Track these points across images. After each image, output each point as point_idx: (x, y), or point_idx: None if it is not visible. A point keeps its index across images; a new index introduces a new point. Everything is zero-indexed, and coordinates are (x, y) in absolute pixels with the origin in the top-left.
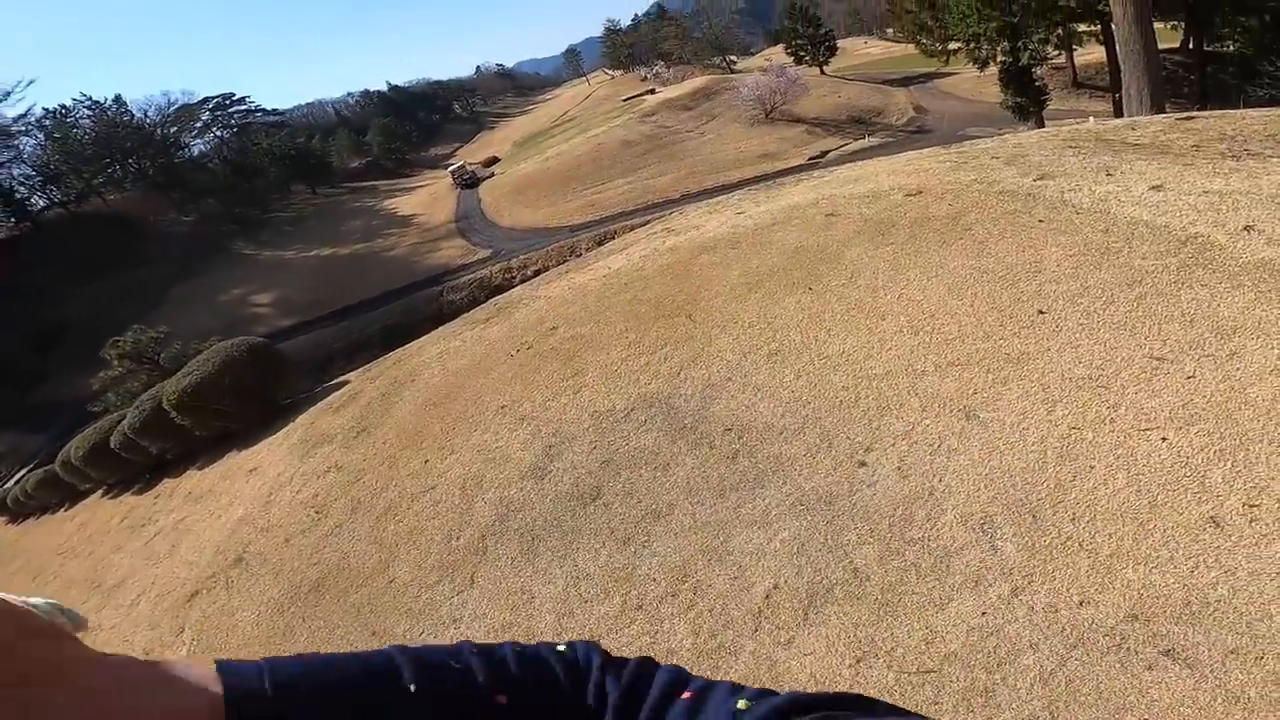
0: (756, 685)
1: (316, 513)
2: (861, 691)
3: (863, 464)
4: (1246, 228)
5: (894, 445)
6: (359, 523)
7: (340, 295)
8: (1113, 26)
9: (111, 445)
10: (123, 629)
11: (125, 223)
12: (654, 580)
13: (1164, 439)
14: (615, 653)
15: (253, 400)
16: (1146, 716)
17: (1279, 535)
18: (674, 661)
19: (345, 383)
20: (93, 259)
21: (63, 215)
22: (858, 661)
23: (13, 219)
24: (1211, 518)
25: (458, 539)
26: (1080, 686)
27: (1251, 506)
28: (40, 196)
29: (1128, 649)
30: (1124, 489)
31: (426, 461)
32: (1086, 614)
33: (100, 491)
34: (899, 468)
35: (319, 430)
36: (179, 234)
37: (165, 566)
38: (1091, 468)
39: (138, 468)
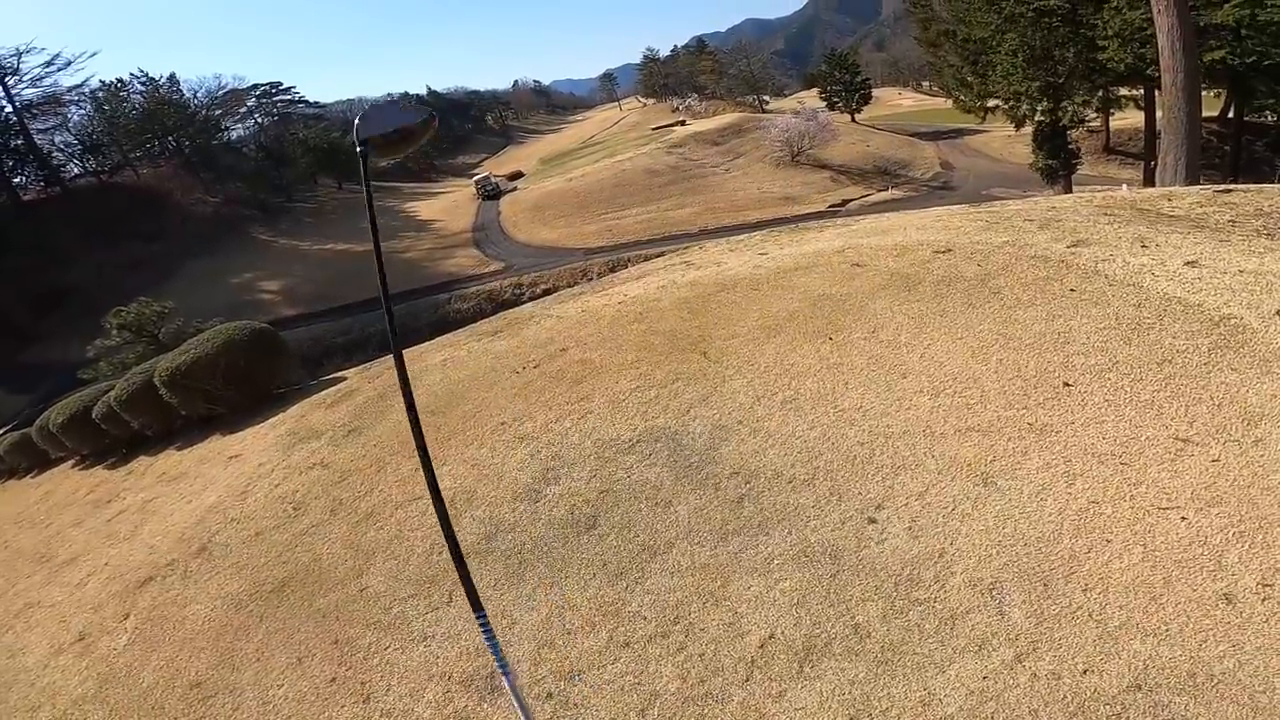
0: None
1: (294, 509)
2: None
3: (873, 520)
4: (1279, 312)
5: (907, 505)
6: (337, 525)
7: (346, 291)
8: (1158, 93)
9: (93, 415)
10: (63, 608)
11: (151, 197)
12: (644, 618)
13: (1184, 518)
14: (594, 691)
15: (246, 386)
16: None
17: None
18: (657, 706)
19: (342, 379)
20: (112, 228)
21: (93, 184)
22: None
23: (43, 183)
24: (1225, 595)
25: (440, 553)
26: None
27: (1265, 586)
28: (76, 164)
29: (1128, 719)
30: (1139, 563)
31: (417, 469)
32: (1090, 683)
33: (72, 462)
34: (910, 527)
35: (309, 425)
36: (201, 213)
37: (123, 548)
38: (1108, 541)
39: (115, 441)
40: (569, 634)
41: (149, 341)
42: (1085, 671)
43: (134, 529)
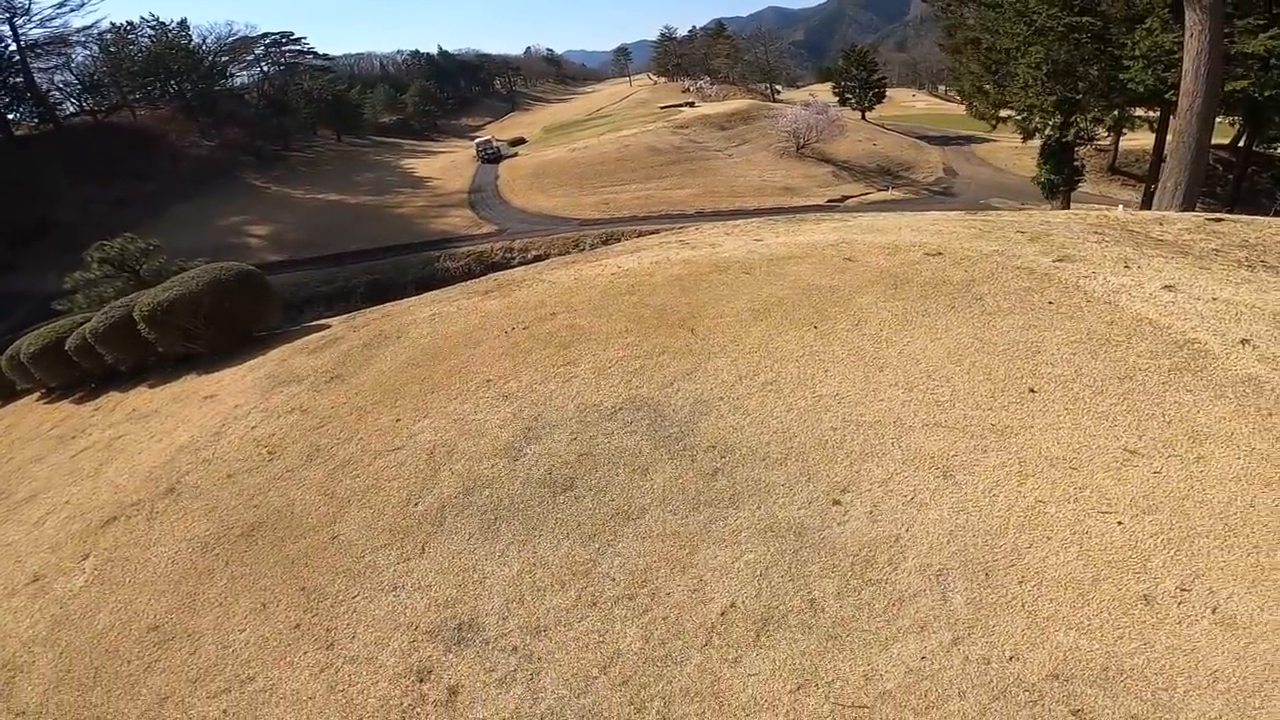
0: (694, 698)
1: (269, 453)
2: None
3: (837, 503)
4: (1243, 341)
5: (870, 490)
6: (313, 471)
7: (335, 241)
8: (1172, 116)
9: (66, 347)
10: (18, 548)
11: (146, 138)
12: (613, 579)
13: (1120, 523)
14: (559, 647)
15: (227, 328)
16: None
17: (1201, 618)
18: (619, 664)
19: (326, 326)
20: (103, 167)
21: (88, 123)
22: (798, 689)
23: (36, 120)
24: (1145, 596)
25: (416, 504)
26: None
27: (1183, 590)
28: (73, 103)
29: (1043, 705)
30: (1073, 561)
31: (398, 420)
32: (1014, 669)
33: (37, 395)
34: (871, 511)
35: (290, 369)
36: (194, 156)
37: (87, 486)
38: (1048, 539)
39: (86, 375)
40: (539, 591)
41: (129, 277)
42: (1011, 658)
43: (99, 466)
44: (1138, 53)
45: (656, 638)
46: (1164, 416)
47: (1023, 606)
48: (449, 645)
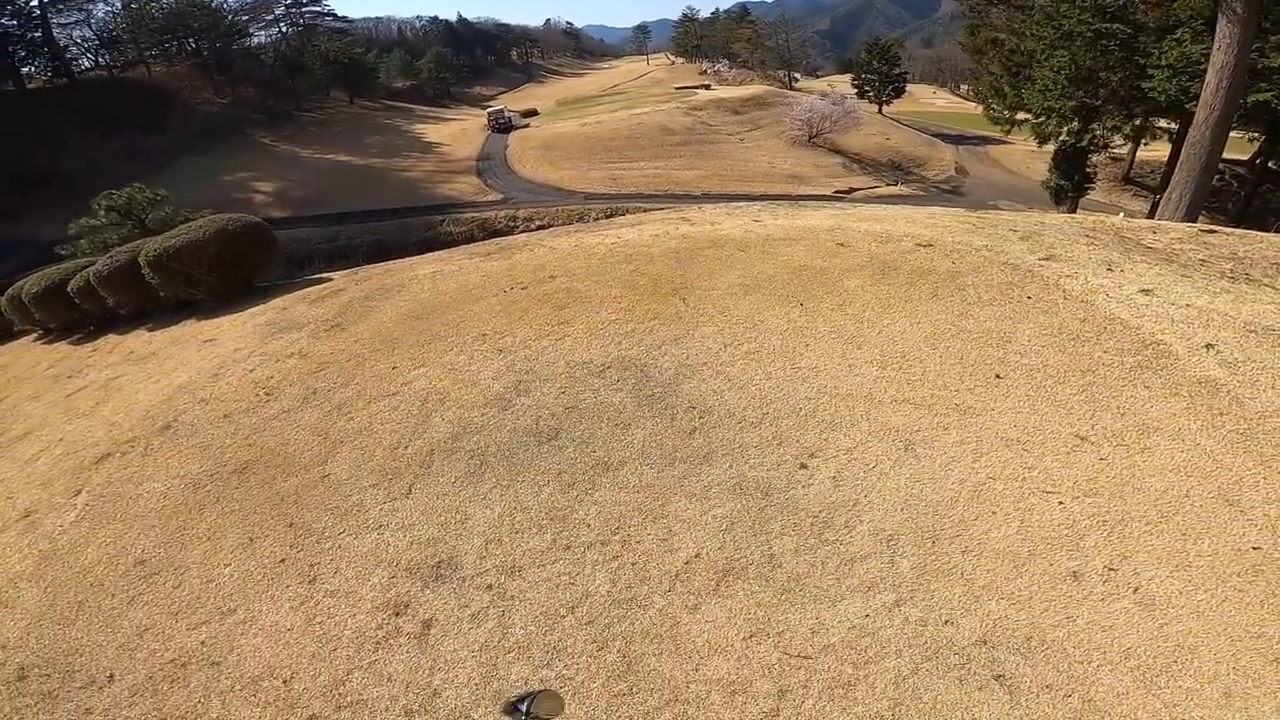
0: (653, 640)
1: (266, 394)
2: (742, 665)
3: (804, 466)
4: (1207, 345)
5: (835, 457)
6: (308, 413)
7: (340, 201)
8: (1190, 128)
9: (69, 289)
10: (11, 484)
11: (159, 94)
12: (588, 526)
13: (1061, 503)
14: (532, 586)
15: (230, 276)
16: None
17: (1122, 596)
18: (586, 605)
19: (328, 279)
20: (113, 120)
21: (102, 77)
22: (750, 637)
23: (51, 73)
24: (1074, 572)
25: (406, 447)
26: (922, 694)
27: (1110, 570)
28: (89, 59)
29: (968, 669)
30: (1013, 535)
31: (394, 368)
32: (947, 633)
33: (35, 335)
34: (834, 477)
35: (291, 317)
36: (206, 113)
37: (82, 424)
38: (993, 513)
39: (85, 317)
40: (517, 533)
41: (134, 225)
42: (946, 622)
43: (95, 405)
44: (1164, 62)
45: (623, 582)
46: (1118, 409)
47: (962, 575)
48: (427, 581)
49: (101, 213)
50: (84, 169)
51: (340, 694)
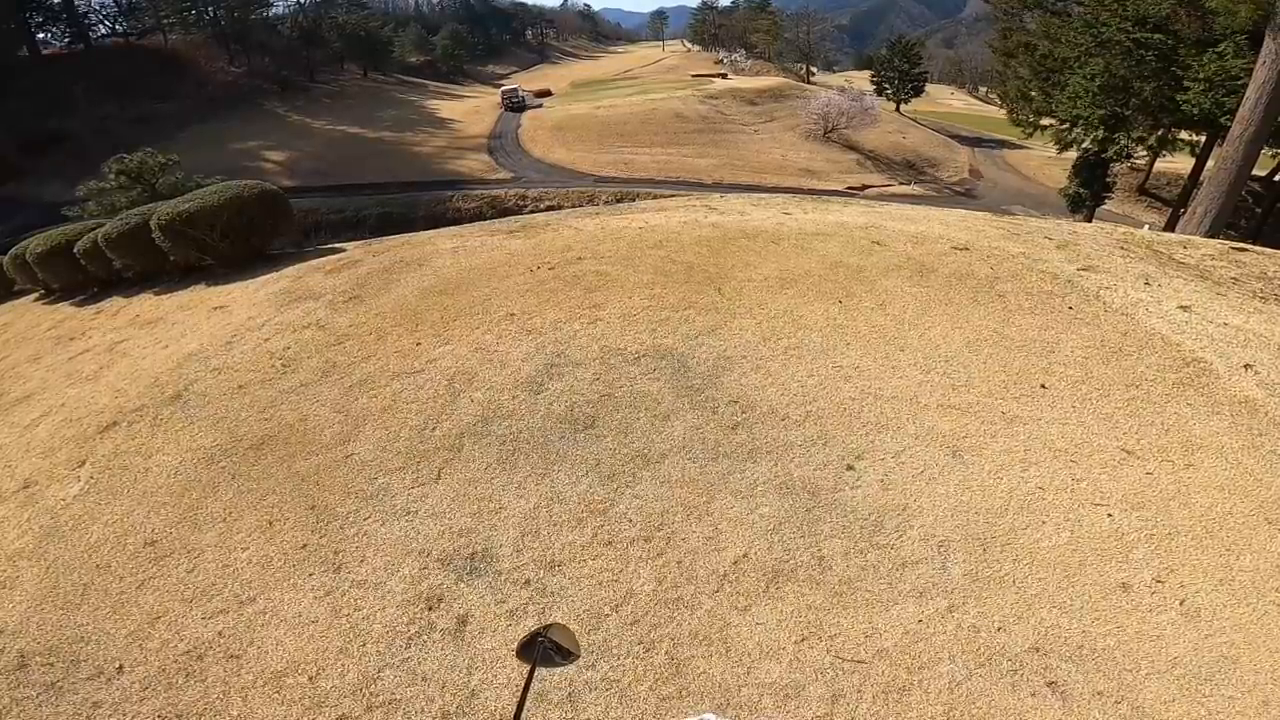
0: (702, 642)
1: (283, 365)
2: (794, 669)
3: (851, 468)
4: (1246, 365)
5: (883, 460)
6: (328, 388)
7: (350, 173)
8: (1218, 143)
9: (75, 250)
10: (9, 451)
11: (175, 62)
12: (629, 521)
13: (1110, 515)
14: (573, 583)
15: (242, 243)
16: None
17: (1169, 608)
18: (631, 604)
19: (342, 249)
20: (126, 87)
21: (119, 44)
22: (802, 640)
23: (68, 39)
24: (1123, 584)
25: (433, 429)
26: (976, 700)
27: (1158, 582)
28: (106, 25)
29: (1021, 675)
30: (1063, 546)
31: (419, 344)
32: (1000, 639)
33: (35, 295)
34: (883, 480)
35: (307, 286)
36: (220, 81)
37: (86, 389)
38: (1043, 523)
39: (89, 280)
40: (555, 526)
41: (143, 189)
42: (999, 629)
43: (99, 370)
44: (1202, 75)
45: (670, 581)
46: (1163, 424)
47: (1013, 583)
48: (460, 574)
49: (111, 176)
50: (93, 133)
51: (371, 693)
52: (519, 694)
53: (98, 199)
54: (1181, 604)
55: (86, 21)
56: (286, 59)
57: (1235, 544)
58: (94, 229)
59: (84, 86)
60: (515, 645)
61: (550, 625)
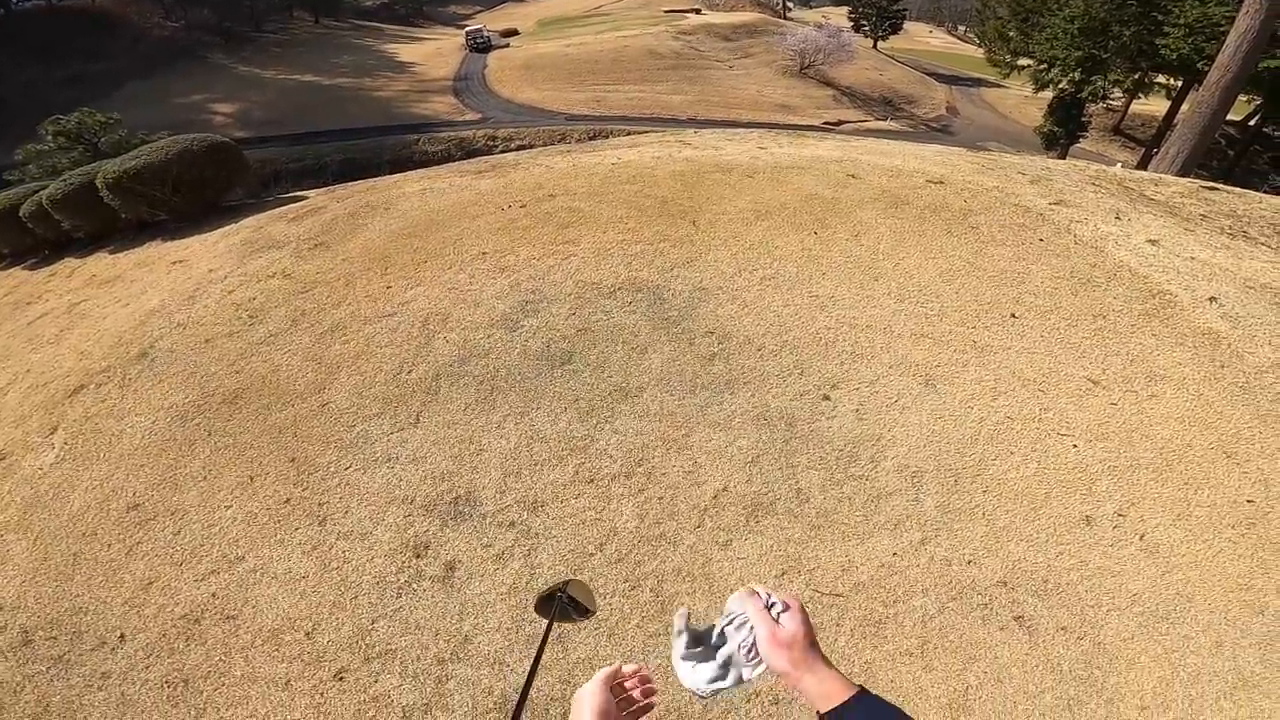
0: (685, 578)
1: (250, 317)
2: None
3: (827, 398)
4: (1211, 298)
5: (858, 389)
6: (299, 336)
7: (307, 121)
8: (1194, 87)
9: (20, 213)
10: None
11: (105, 20)
12: (610, 457)
13: (1074, 446)
14: (556, 523)
15: (195, 196)
16: (988, 669)
17: (1130, 542)
18: (615, 542)
19: (304, 198)
20: (51, 49)
21: (40, 7)
22: (782, 574)
23: None
24: (1087, 517)
25: (409, 373)
26: (949, 633)
27: (1120, 515)
28: None
29: (991, 609)
30: (1030, 477)
31: (389, 288)
32: (970, 573)
33: None
34: (858, 409)
35: (269, 235)
36: (156, 37)
37: (49, 353)
38: (1011, 453)
39: (39, 243)
40: (536, 465)
41: (85, 149)
42: (969, 562)
43: (60, 332)
44: (1183, 20)
45: (652, 517)
46: (1128, 355)
47: (983, 515)
48: (445, 520)
49: (49, 137)
50: (20, 97)
51: (367, 644)
52: (535, 646)
53: (37, 161)
54: (1141, 539)
55: None
56: (228, 9)
57: (1194, 478)
58: (38, 191)
59: (5, 51)
60: (534, 600)
61: (569, 581)
